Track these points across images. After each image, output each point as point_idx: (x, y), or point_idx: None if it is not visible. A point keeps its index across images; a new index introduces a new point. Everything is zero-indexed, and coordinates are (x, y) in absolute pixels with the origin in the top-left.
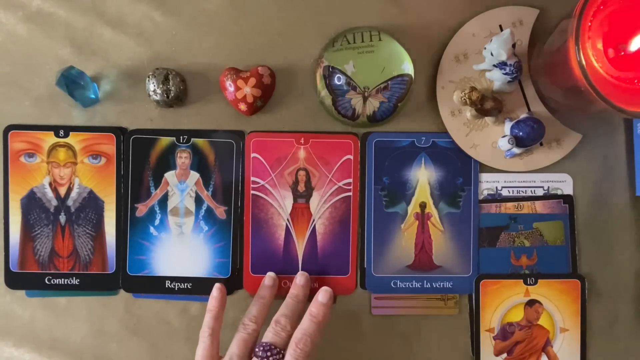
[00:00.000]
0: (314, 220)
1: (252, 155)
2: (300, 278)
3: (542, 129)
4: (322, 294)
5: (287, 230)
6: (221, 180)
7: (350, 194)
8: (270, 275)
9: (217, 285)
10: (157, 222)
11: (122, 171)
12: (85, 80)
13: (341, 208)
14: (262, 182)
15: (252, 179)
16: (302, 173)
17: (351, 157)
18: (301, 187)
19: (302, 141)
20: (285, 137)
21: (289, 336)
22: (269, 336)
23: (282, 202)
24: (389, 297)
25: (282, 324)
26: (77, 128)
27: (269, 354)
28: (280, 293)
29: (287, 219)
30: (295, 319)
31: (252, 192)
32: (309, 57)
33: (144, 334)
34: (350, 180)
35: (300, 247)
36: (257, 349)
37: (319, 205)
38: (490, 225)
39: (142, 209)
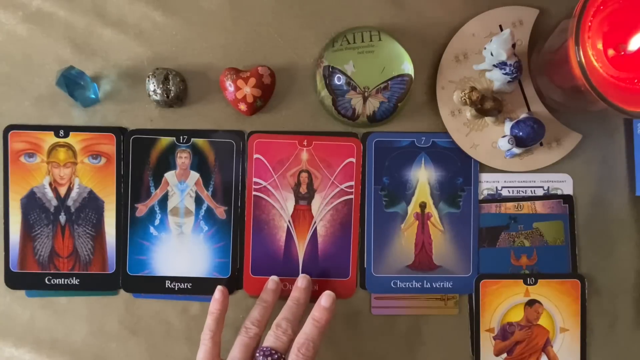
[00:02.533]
0: (315, 222)
1: (255, 156)
2: (301, 281)
3: (542, 129)
4: (325, 299)
5: (288, 232)
6: (221, 180)
7: (352, 196)
8: (274, 279)
9: (219, 288)
10: (157, 222)
11: (122, 171)
12: (85, 80)
13: (343, 211)
14: (264, 183)
15: (254, 179)
16: (304, 175)
17: (353, 160)
18: (303, 189)
19: (305, 143)
20: (288, 139)
21: (290, 340)
22: (270, 340)
23: (284, 204)
24: (389, 297)
25: (283, 327)
26: (77, 128)
27: (269, 358)
28: (280, 295)
29: (289, 221)
30: (297, 322)
31: (253, 193)
32: (309, 57)
33: (144, 334)
34: (352, 183)
35: (301, 249)
36: (257, 354)
37: (321, 207)
38: (490, 225)
39: (142, 209)
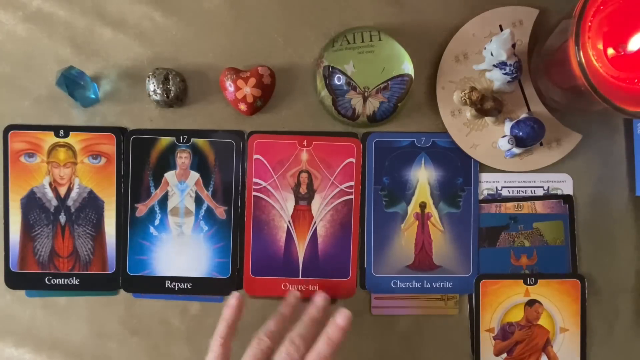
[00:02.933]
0: (315, 222)
1: (255, 156)
2: (319, 299)
3: (542, 129)
4: (341, 317)
5: (288, 232)
6: (221, 180)
7: (352, 197)
8: (295, 294)
9: (235, 294)
10: (157, 222)
11: (122, 171)
12: (85, 80)
13: (342, 211)
14: (264, 184)
15: (254, 180)
16: (304, 175)
17: (353, 160)
18: (303, 189)
19: (305, 143)
20: (287, 139)
21: (301, 358)
22: (282, 356)
23: (284, 204)
24: (389, 297)
25: (296, 344)
26: (77, 128)
27: None
28: (280, 295)
29: (289, 221)
30: (311, 340)
31: (253, 193)
32: (309, 57)
33: (144, 334)
34: (352, 183)
35: (301, 250)
36: None
37: (321, 207)
38: (490, 225)
39: (142, 209)
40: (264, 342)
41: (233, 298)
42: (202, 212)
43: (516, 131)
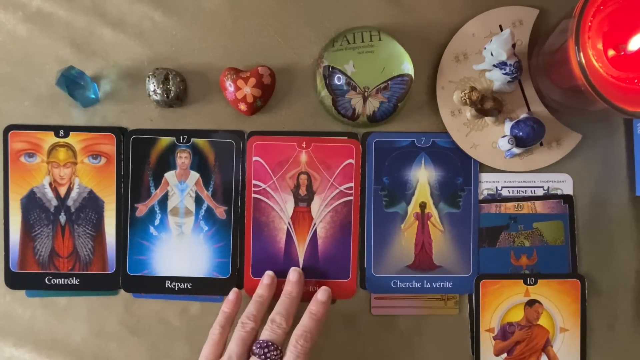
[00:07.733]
0: (315, 224)
1: (254, 158)
2: (293, 274)
3: (542, 129)
4: (321, 293)
5: (288, 234)
6: (221, 180)
7: (352, 198)
8: (269, 274)
9: (234, 290)
10: (157, 222)
11: (122, 171)
12: (85, 80)
13: (342, 212)
14: (263, 186)
15: (254, 182)
16: (303, 177)
17: (353, 161)
18: (302, 191)
19: (304, 145)
20: (287, 141)
21: (285, 333)
22: (265, 334)
23: (284, 206)
24: (389, 297)
25: (277, 322)
26: (77, 128)
27: (266, 350)
28: (279, 294)
29: (288, 223)
30: (291, 316)
31: (253, 195)
32: (309, 57)
33: (144, 334)
34: (352, 184)
35: (301, 251)
36: (254, 347)
37: (320, 209)
38: (490, 225)
39: (142, 209)
40: (248, 324)
41: (232, 294)
42: (202, 212)
43: (516, 131)
